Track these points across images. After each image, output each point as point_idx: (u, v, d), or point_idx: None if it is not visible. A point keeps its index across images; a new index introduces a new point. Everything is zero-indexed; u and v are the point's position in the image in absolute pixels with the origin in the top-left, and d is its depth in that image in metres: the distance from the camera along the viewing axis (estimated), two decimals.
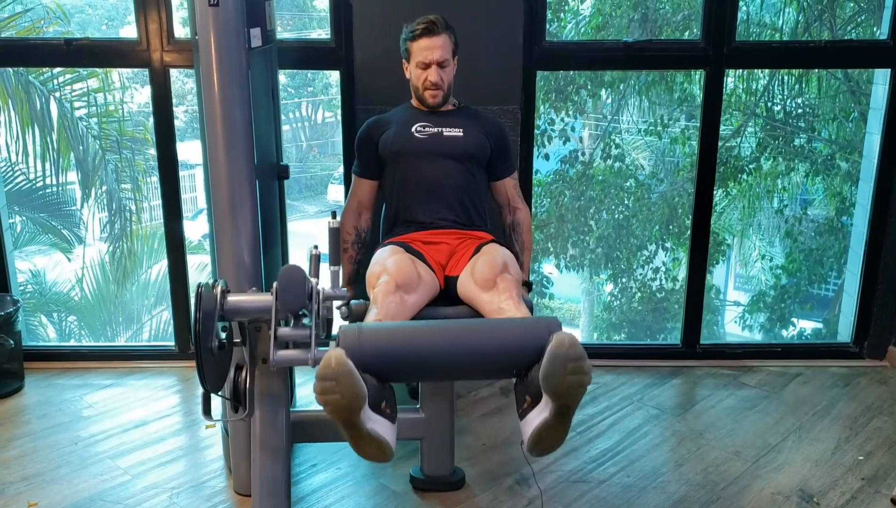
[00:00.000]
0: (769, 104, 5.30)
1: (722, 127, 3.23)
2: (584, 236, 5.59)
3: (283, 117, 2.75)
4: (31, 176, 4.78)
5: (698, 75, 4.34)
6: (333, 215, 1.97)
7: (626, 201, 5.54)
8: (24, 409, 2.97)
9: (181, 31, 3.03)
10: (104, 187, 5.01)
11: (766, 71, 5.09)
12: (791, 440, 2.76)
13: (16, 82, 4.53)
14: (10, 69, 4.36)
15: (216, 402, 2.20)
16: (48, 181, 4.81)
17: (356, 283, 2.49)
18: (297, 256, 3.23)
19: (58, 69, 4.57)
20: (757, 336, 5.40)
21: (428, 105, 2.47)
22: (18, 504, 2.39)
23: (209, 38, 1.96)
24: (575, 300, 6.72)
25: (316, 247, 1.99)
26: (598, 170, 5.50)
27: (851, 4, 4.92)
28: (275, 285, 1.79)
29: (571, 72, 5.08)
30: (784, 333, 5.36)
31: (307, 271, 1.91)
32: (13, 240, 3.66)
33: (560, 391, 1.65)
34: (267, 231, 2.28)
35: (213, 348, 1.84)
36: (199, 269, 5.02)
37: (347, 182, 2.94)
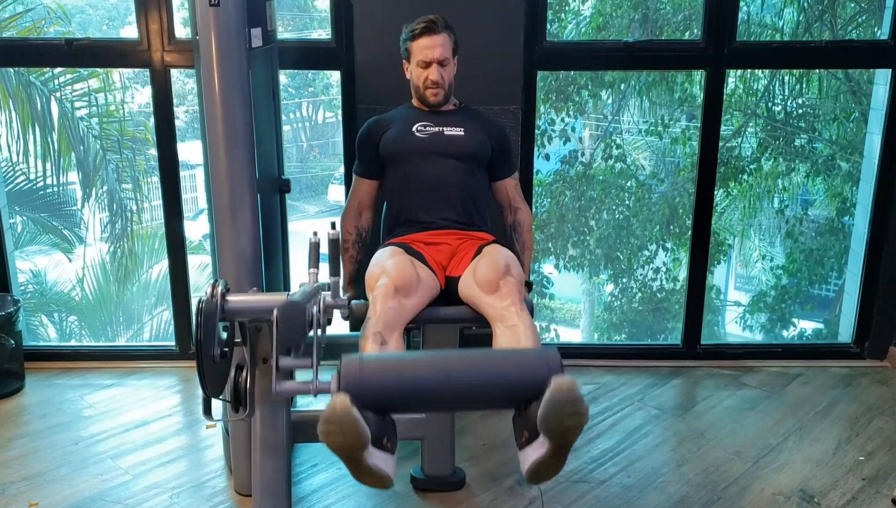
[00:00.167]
0: (770, 104, 5.30)
1: (722, 127, 3.23)
2: (583, 236, 5.59)
3: (283, 118, 2.75)
4: (32, 176, 4.78)
5: (699, 76, 4.34)
6: (333, 225, 1.95)
7: (626, 202, 5.54)
8: (25, 409, 2.97)
9: (182, 32, 3.03)
10: (105, 187, 5.01)
11: (767, 71, 5.09)
12: (792, 441, 2.76)
13: (17, 82, 4.53)
14: (11, 69, 4.36)
15: (216, 402, 2.20)
16: (49, 181, 4.81)
17: (357, 283, 2.49)
18: (299, 258, 3.22)
19: (59, 69, 4.57)
20: (758, 337, 5.40)
21: (429, 104, 2.47)
22: (19, 504, 2.39)
23: (210, 39, 1.96)
24: (576, 301, 6.72)
25: (315, 234, 1.97)
26: (599, 170, 5.50)
27: (852, 5, 4.92)
28: (275, 313, 1.74)
29: (572, 72, 5.08)
30: (785, 333, 5.36)
31: (307, 261, 1.93)
32: (14, 240, 3.67)
33: (558, 433, 1.69)
34: (268, 245, 2.27)
35: (215, 355, 1.85)
36: (199, 269, 5.02)
37: (348, 182, 2.94)
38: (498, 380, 1.75)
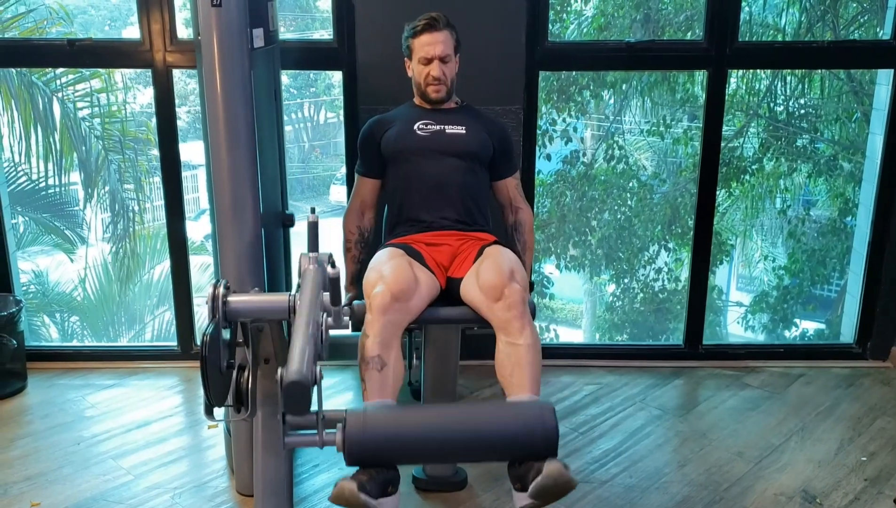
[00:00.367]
0: (772, 105, 5.29)
1: (724, 128, 3.22)
2: (584, 236, 5.58)
3: (285, 118, 2.75)
4: (34, 176, 4.78)
5: (701, 76, 4.33)
6: (312, 210, 1.95)
7: (628, 202, 5.54)
8: (27, 409, 2.97)
9: (184, 32, 3.03)
10: (107, 188, 5.01)
11: (769, 71, 5.08)
12: (794, 441, 2.75)
13: (19, 83, 4.53)
14: (14, 70, 4.37)
15: None
16: (51, 182, 4.81)
17: (359, 283, 2.49)
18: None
19: (61, 70, 4.57)
20: (760, 337, 5.39)
21: (431, 100, 2.47)
22: (21, 504, 2.39)
23: (212, 39, 1.96)
24: (577, 301, 6.72)
25: (313, 211, 1.94)
26: (601, 170, 5.50)
27: (854, 5, 4.91)
28: (280, 386, 1.70)
29: (573, 72, 5.08)
30: (787, 333, 5.35)
31: (306, 244, 1.94)
32: (16, 240, 3.67)
33: (546, 501, 1.85)
34: (271, 279, 2.27)
35: (221, 367, 1.85)
36: (201, 269, 5.02)
37: (350, 183, 2.95)
38: (495, 444, 1.87)
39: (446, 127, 2.45)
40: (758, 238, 5.79)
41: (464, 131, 2.45)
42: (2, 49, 3.25)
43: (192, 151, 5.15)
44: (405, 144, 2.45)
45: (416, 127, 2.45)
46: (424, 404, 2.40)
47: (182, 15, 3.05)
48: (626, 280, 5.66)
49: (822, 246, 5.41)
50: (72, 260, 5.11)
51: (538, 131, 3.16)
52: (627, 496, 2.45)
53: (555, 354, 3.34)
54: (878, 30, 4.67)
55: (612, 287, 5.81)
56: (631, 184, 5.51)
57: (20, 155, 4.66)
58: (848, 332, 3.47)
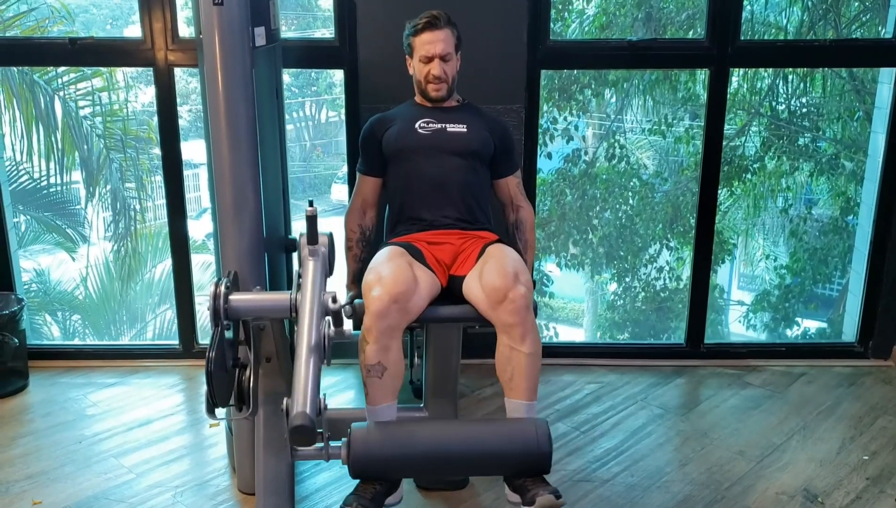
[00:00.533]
0: (773, 104, 5.29)
1: (726, 126, 3.22)
2: (585, 235, 5.58)
3: (287, 117, 2.75)
4: (36, 175, 4.78)
5: (702, 74, 4.33)
6: (311, 203, 1.95)
7: (630, 201, 5.53)
8: (29, 408, 2.98)
9: (185, 31, 3.03)
10: (108, 186, 5.02)
11: (771, 70, 5.08)
12: (795, 440, 2.75)
13: (20, 81, 4.53)
14: (15, 68, 4.37)
15: None
16: (52, 180, 4.82)
17: (360, 281, 2.49)
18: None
19: (62, 68, 4.57)
20: (761, 336, 5.39)
21: (431, 99, 2.47)
22: (23, 503, 2.40)
23: (213, 37, 1.96)
24: (578, 300, 6.71)
25: (311, 203, 1.95)
26: (602, 169, 5.50)
27: (856, 3, 4.90)
28: (286, 417, 1.78)
29: (575, 71, 5.07)
30: (788, 332, 5.35)
31: (302, 238, 1.99)
32: (18, 239, 3.67)
33: None
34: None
35: (227, 366, 1.86)
36: (203, 268, 5.02)
37: (351, 182, 2.95)
38: (491, 461, 2.01)
39: (447, 125, 2.45)
40: (759, 237, 5.79)
41: (465, 130, 2.45)
42: (3, 48, 3.25)
43: (193, 150, 5.15)
44: (406, 142, 2.45)
45: (417, 125, 2.45)
46: (425, 418, 2.41)
47: (184, 14, 3.05)
48: (627, 279, 5.66)
49: (824, 245, 5.40)
50: (73, 259, 5.11)
51: (539, 130, 3.16)
52: (629, 495, 2.45)
53: (556, 353, 3.33)
54: (879, 28, 4.66)
55: (613, 286, 5.81)
56: (632, 183, 5.51)
57: (22, 154, 4.66)
58: (850, 331, 3.47)
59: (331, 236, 2.11)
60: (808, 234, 5.41)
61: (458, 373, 2.44)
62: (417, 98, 2.53)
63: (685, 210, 5.35)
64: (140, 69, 4.63)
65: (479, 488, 2.48)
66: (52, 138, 4.71)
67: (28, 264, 4.88)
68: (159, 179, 3.36)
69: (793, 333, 5.35)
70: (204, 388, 1.89)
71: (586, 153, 5.63)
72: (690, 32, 5.15)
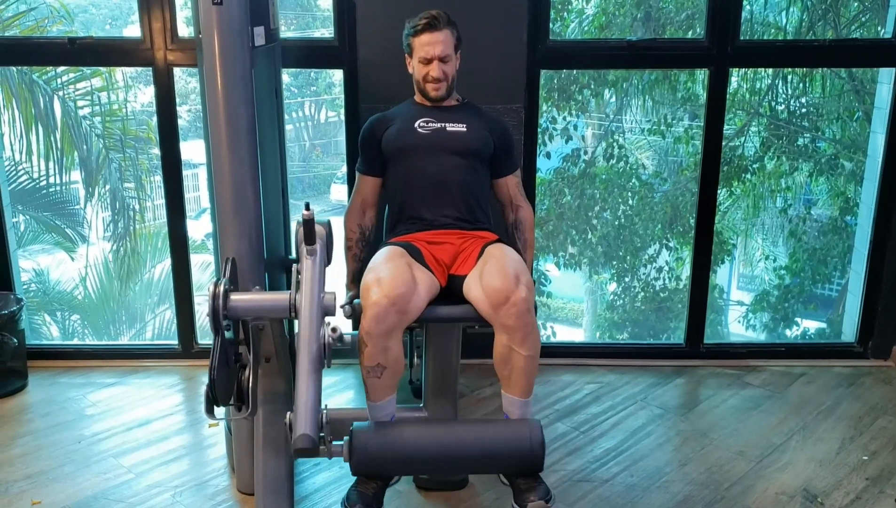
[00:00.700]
0: (773, 104, 5.29)
1: (726, 126, 3.22)
2: (584, 234, 5.58)
3: (286, 117, 2.75)
4: (35, 175, 4.78)
5: (702, 74, 4.33)
6: (307, 206, 1.95)
7: (629, 201, 5.53)
8: (28, 407, 2.97)
9: (185, 30, 3.03)
10: (108, 186, 5.01)
11: (770, 70, 5.08)
12: (795, 440, 2.75)
13: (20, 81, 4.53)
14: (14, 68, 4.36)
15: None
16: (52, 180, 4.81)
17: (360, 281, 2.48)
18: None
19: (61, 68, 4.57)
20: (761, 336, 5.39)
21: (430, 98, 2.47)
22: (22, 503, 2.40)
23: (213, 37, 1.96)
24: (578, 300, 6.71)
25: (308, 207, 1.94)
26: (601, 169, 5.50)
27: (856, 3, 4.90)
28: (289, 430, 1.82)
29: (574, 71, 5.07)
30: (788, 332, 5.35)
31: (295, 243, 2.01)
32: (17, 239, 3.66)
33: None
34: None
35: (229, 361, 1.87)
36: (202, 268, 5.02)
37: (350, 182, 2.95)
38: (486, 461, 2.07)
39: (447, 125, 2.45)
40: (759, 237, 5.79)
41: (465, 129, 2.45)
42: (2, 47, 3.25)
43: (192, 150, 5.15)
44: (406, 141, 2.44)
45: (416, 125, 2.45)
46: (424, 418, 2.42)
47: (183, 13, 3.05)
48: (626, 279, 5.66)
49: (824, 245, 5.40)
50: (72, 259, 5.11)
51: (538, 130, 3.16)
52: (628, 495, 2.45)
53: (556, 353, 3.33)
54: (879, 29, 4.66)
55: (613, 286, 5.81)
56: (632, 183, 5.51)
57: (21, 153, 4.66)
58: (849, 331, 3.47)
59: (329, 224, 2.11)
60: (808, 234, 5.41)
61: (458, 373, 2.44)
62: (417, 97, 2.53)
63: (684, 210, 5.35)
64: (139, 69, 4.62)
65: (479, 488, 2.48)
66: (52, 138, 4.71)
67: (27, 263, 4.88)
68: (158, 179, 3.36)
69: (792, 333, 5.35)
70: (203, 388, 1.89)
71: (585, 153, 5.63)
72: (690, 32, 5.15)
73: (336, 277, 2.35)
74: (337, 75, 4.33)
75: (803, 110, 5.30)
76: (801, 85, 5.23)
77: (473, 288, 2.17)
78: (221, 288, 1.87)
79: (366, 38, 2.93)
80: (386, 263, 2.16)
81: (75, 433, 2.79)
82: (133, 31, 3.80)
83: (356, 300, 2.27)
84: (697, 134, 5.06)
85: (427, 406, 2.44)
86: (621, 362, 3.34)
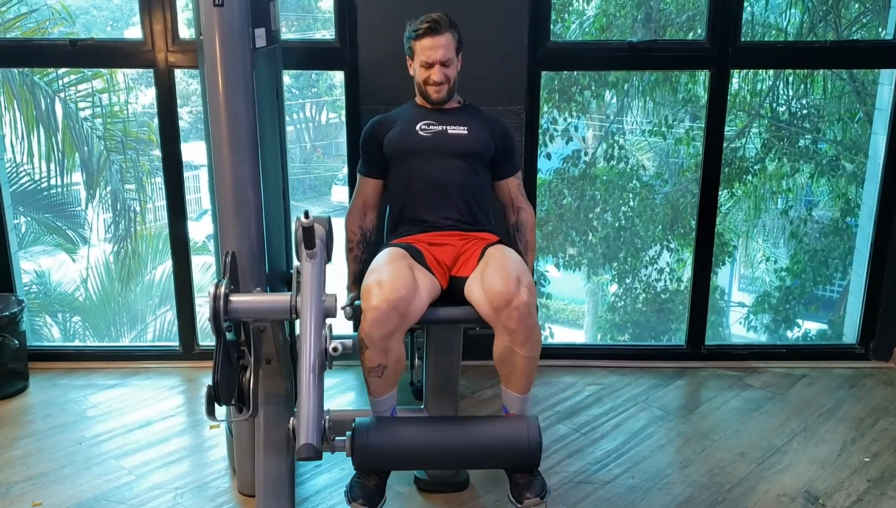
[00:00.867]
0: (774, 105, 5.28)
1: (727, 128, 3.22)
2: (584, 235, 5.58)
3: (287, 118, 2.75)
4: (36, 177, 4.79)
5: (703, 76, 4.33)
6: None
7: (630, 202, 5.53)
8: (29, 409, 2.97)
9: (186, 32, 3.03)
10: (109, 188, 5.02)
11: (771, 72, 5.08)
12: (796, 442, 2.75)
13: (21, 83, 4.54)
14: (16, 70, 4.37)
15: None
16: (53, 182, 4.82)
17: (361, 283, 2.48)
18: None
19: (63, 70, 4.58)
20: (762, 337, 5.39)
21: (432, 101, 2.47)
22: (23, 504, 2.40)
23: (214, 39, 1.96)
24: (579, 302, 6.71)
25: (307, 214, 1.93)
26: (602, 170, 5.50)
27: (857, 5, 4.90)
28: (292, 436, 1.83)
29: (574, 72, 5.07)
30: (789, 334, 5.35)
31: (295, 242, 2.01)
32: (18, 240, 3.67)
33: None
34: None
35: (232, 359, 1.87)
36: (203, 269, 5.02)
37: (351, 183, 2.95)
38: (484, 456, 2.12)
39: (448, 127, 2.45)
40: (760, 239, 5.79)
41: (465, 132, 2.45)
42: (4, 49, 3.25)
43: (193, 152, 5.15)
44: (407, 144, 2.45)
45: (417, 127, 2.45)
46: (424, 416, 2.43)
47: (184, 15, 3.05)
48: (627, 280, 5.66)
49: (825, 246, 5.40)
50: (74, 260, 5.11)
51: (539, 131, 3.16)
52: (629, 496, 2.45)
53: (557, 354, 3.33)
54: (880, 30, 4.66)
55: (614, 287, 5.81)
56: (632, 184, 5.51)
57: (22, 155, 4.67)
58: (850, 333, 3.47)
59: (329, 221, 2.10)
60: (809, 235, 5.41)
61: (459, 374, 2.44)
62: (418, 99, 2.53)
63: (685, 212, 5.35)
64: (140, 71, 4.63)
65: (480, 490, 2.47)
66: (53, 140, 4.71)
67: (28, 265, 4.88)
68: (160, 180, 3.36)
69: (793, 334, 5.35)
70: (204, 389, 1.89)
71: (586, 154, 5.63)
72: (691, 34, 5.15)
73: (337, 278, 2.35)
74: (338, 77, 4.33)
75: (804, 112, 5.30)
76: (801, 86, 5.23)
77: (475, 290, 2.18)
78: (222, 290, 1.87)
79: (367, 40, 2.93)
80: (387, 265, 2.16)
81: (76, 435, 2.79)
82: (134, 32, 3.81)
83: (357, 302, 2.27)
84: (698, 135, 5.06)
85: (428, 408, 2.43)
86: (622, 363, 3.34)
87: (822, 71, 4.98)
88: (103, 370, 3.28)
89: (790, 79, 5.17)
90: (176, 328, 3.36)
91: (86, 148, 4.86)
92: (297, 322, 1.92)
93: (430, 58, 2.40)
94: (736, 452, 2.69)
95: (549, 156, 5.26)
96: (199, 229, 5.92)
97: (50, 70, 4.54)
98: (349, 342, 1.96)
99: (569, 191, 5.50)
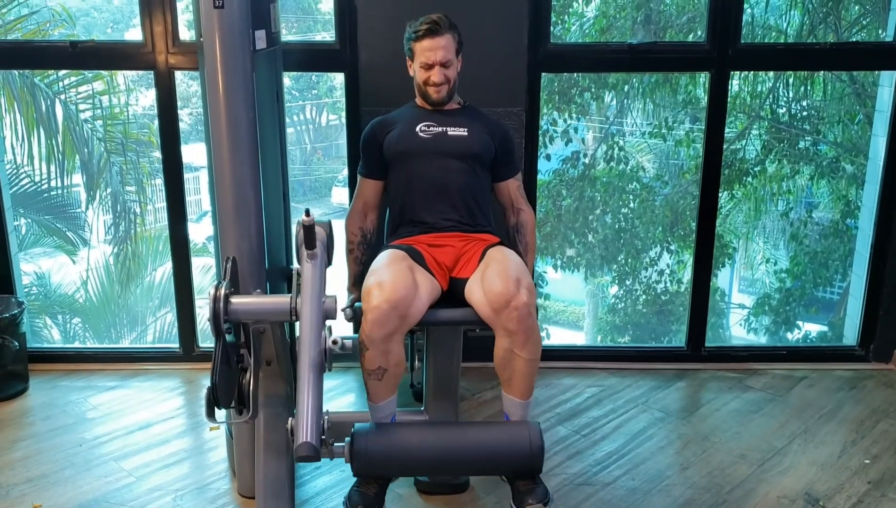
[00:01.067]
0: (774, 107, 5.29)
1: (727, 130, 3.22)
2: (583, 237, 5.58)
3: (287, 120, 2.75)
4: (37, 178, 4.79)
5: (703, 78, 4.33)
6: (307, 212, 1.95)
7: (630, 204, 5.54)
8: (29, 411, 2.97)
9: (186, 34, 3.03)
10: (109, 190, 5.02)
11: (771, 73, 5.08)
12: (797, 444, 2.75)
13: (21, 85, 4.54)
14: (16, 71, 4.37)
15: None
16: (53, 184, 4.82)
17: (361, 284, 2.48)
18: None
19: (63, 72, 4.58)
20: (762, 339, 5.39)
21: (432, 102, 2.47)
22: (23, 506, 2.39)
23: (214, 41, 1.96)
24: (579, 303, 6.71)
25: (308, 212, 1.94)
26: (602, 172, 5.50)
27: (856, 7, 4.91)
28: (290, 436, 1.81)
29: (574, 74, 5.07)
30: (789, 336, 5.35)
31: (295, 244, 2.02)
32: (18, 242, 3.67)
33: None
34: None
35: (231, 362, 1.87)
36: (203, 271, 5.02)
37: (352, 185, 2.95)
38: (485, 463, 2.09)
39: (448, 129, 2.45)
40: (760, 240, 5.79)
41: (465, 133, 2.45)
42: (4, 51, 3.26)
43: (193, 153, 5.16)
44: (407, 145, 2.45)
45: (417, 129, 2.45)
46: (424, 420, 2.43)
47: (184, 17, 3.05)
48: (628, 282, 5.66)
49: (825, 248, 5.41)
50: (74, 262, 5.11)
51: (539, 132, 3.16)
52: (630, 498, 2.45)
53: (557, 356, 3.33)
54: (880, 32, 4.67)
55: (614, 289, 5.81)
56: (632, 186, 5.51)
57: (23, 157, 4.67)
58: (851, 334, 3.47)
59: (329, 225, 2.11)
60: (809, 237, 5.41)
61: (459, 376, 2.44)
62: (418, 100, 2.53)
63: (685, 213, 5.35)
64: (141, 72, 4.64)
65: (480, 491, 2.47)
66: (53, 142, 4.71)
67: (28, 267, 4.88)
68: (160, 182, 3.36)
69: (794, 336, 5.35)
70: (204, 391, 1.89)
71: (586, 156, 5.63)
72: (691, 36, 5.15)
73: (337, 280, 2.35)
74: (338, 79, 4.34)
75: (804, 113, 5.31)
76: (802, 88, 5.24)
77: (475, 292, 2.18)
78: (222, 291, 1.87)
79: (367, 42, 2.94)
80: (387, 266, 2.16)
81: (76, 437, 2.79)
82: (134, 34, 3.81)
83: (357, 304, 2.27)
84: (698, 137, 5.07)
85: (428, 410, 2.43)
86: (622, 365, 3.34)
87: (822, 73, 4.98)
88: (103, 372, 3.27)
89: (790, 81, 5.17)
90: (176, 330, 3.36)
91: (86, 150, 4.86)
92: (298, 324, 1.92)
93: (430, 59, 2.40)
94: (736, 454, 2.69)
95: (548, 157, 5.26)
96: (200, 230, 5.93)
97: (50, 72, 4.54)
98: (349, 343, 1.97)
99: (568, 192, 5.51)
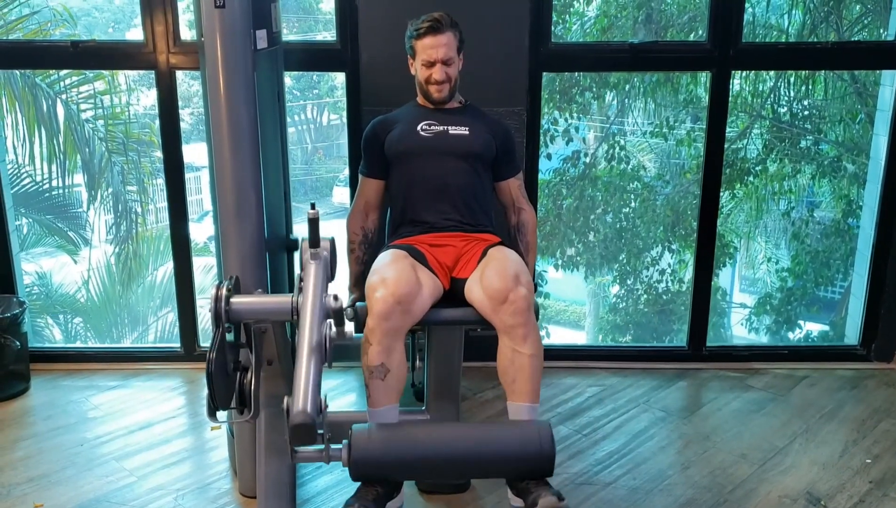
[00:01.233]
0: (775, 106, 5.28)
1: (728, 129, 3.22)
2: (584, 236, 5.58)
3: (288, 120, 2.75)
4: (38, 178, 4.79)
5: (704, 77, 4.33)
6: (312, 205, 1.95)
7: (631, 204, 5.53)
8: (30, 410, 2.98)
9: (187, 34, 3.03)
10: (110, 190, 5.02)
11: (773, 73, 5.08)
12: (798, 443, 2.75)
13: (22, 85, 4.54)
14: (17, 71, 4.37)
15: None
16: (54, 183, 4.82)
17: (363, 284, 2.48)
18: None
19: (64, 71, 4.58)
20: (763, 339, 5.38)
21: (433, 100, 2.47)
22: (24, 506, 2.40)
23: (215, 40, 1.96)
24: (580, 303, 6.71)
25: (313, 206, 1.94)
26: (603, 171, 5.49)
27: (858, 6, 4.90)
28: (287, 417, 1.76)
29: (576, 74, 5.07)
30: (791, 335, 5.34)
31: (300, 244, 2.01)
32: (20, 242, 3.67)
33: None
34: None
35: (228, 368, 1.86)
36: (204, 271, 5.03)
37: (353, 184, 2.95)
38: (493, 465, 2.00)
39: (449, 128, 2.45)
40: (761, 240, 5.78)
41: (467, 132, 2.45)
42: (6, 51, 3.26)
43: (195, 153, 5.16)
44: (408, 144, 2.45)
45: (419, 128, 2.45)
46: (425, 420, 2.41)
47: (185, 17, 3.06)
48: (629, 282, 5.66)
49: (826, 248, 5.40)
50: (75, 262, 5.12)
51: (540, 132, 3.16)
52: (631, 498, 2.45)
53: (558, 355, 3.33)
54: (881, 31, 4.65)
55: (615, 288, 5.80)
56: (633, 185, 5.51)
57: (24, 157, 4.67)
58: (852, 334, 3.47)
59: (332, 241, 2.11)
60: (810, 236, 5.40)
61: (460, 376, 2.44)
62: (419, 99, 2.54)
63: (686, 213, 5.34)
64: (142, 72, 4.63)
65: (481, 491, 2.47)
66: (54, 141, 4.72)
67: (30, 266, 4.89)
68: (161, 182, 3.36)
69: (795, 336, 5.34)
70: (205, 391, 1.89)
71: (586, 155, 5.62)
72: (692, 35, 5.14)
73: (338, 281, 2.34)
74: (339, 78, 4.33)
75: (806, 113, 5.30)
76: (803, 87, 5.23)
77: (474, 290, 2.18)
78: (223, 291, 1.87)
79: (368, 41, 2.94)
80: (390, 265, 2.17)
81: (77, 437, 2.79)
82: (136, 34, 3.80)
83: (359, 303, 2.27)
84: (699, 136, 5.06)
85: (429, 409, 2.43)
86: (624, 364, 3.34)
87: (823, 72, 4.98)
88: (105, 372, 3.28)
89: (791, 80, 5.16)
90: (177, 330, 3.36)
91: (87, 149, 4.86)
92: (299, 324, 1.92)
93: (432, 57, 2.40)
94: (737, 453, 2.68)
95: (549, 156, 5.26)
96: (201, 230, 5.93)
97: (52, 72, 4.54)
98: (349, 330, 1.96)
99: (569, 191, 5.50)
